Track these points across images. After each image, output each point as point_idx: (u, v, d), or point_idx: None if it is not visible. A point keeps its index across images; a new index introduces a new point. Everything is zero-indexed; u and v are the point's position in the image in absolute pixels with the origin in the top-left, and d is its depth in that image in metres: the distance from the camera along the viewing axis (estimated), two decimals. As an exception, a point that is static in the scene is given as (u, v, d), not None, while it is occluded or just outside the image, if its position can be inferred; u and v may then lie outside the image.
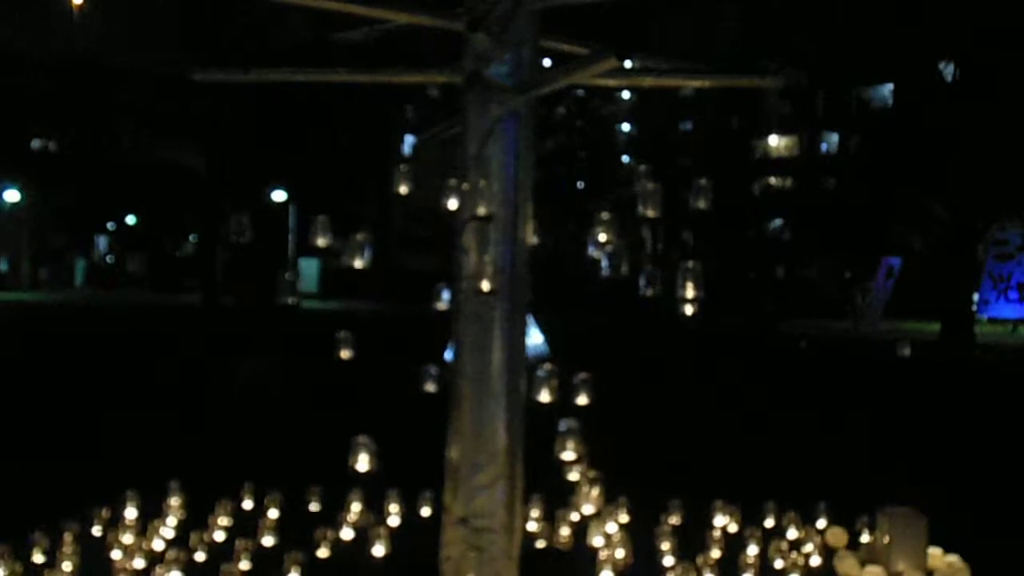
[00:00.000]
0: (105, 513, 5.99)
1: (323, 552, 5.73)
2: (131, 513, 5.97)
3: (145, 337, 22.82)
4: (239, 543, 5.51)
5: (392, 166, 5.21)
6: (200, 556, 5.61)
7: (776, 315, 32.45)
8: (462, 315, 4.76)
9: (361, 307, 34.91)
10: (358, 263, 4.90)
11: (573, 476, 4.92)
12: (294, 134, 34.92)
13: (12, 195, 46.71)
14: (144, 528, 5.82)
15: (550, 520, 6.15)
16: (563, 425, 4.69)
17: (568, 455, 4.69)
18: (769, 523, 6.35)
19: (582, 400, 4.93)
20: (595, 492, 4.88)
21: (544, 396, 4.75)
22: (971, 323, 25.72)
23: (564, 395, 4.89)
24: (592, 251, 4.86)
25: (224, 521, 6.11)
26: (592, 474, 5.04)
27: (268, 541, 5.85)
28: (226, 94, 30.98)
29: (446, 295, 5.06)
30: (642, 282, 4.91)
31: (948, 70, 25.25)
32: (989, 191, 24.74)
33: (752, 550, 5.75)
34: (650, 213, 4.89)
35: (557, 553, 6.00)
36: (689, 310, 4.73)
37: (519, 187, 4.75)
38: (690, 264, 4.76)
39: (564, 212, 40.35)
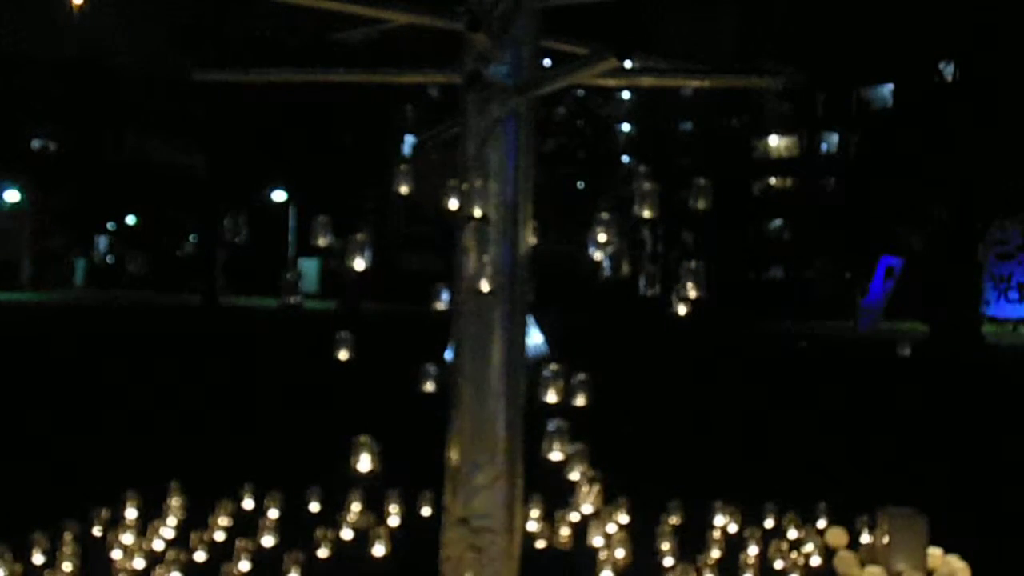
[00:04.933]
0: (105, 513, 5.99)
1: (323, 552, 5.73)
2: (131, 513, 5.97)
3: (145, 337, 22.83)
4: (239, 543, 5.51)
5: (392, 166, 5.21)
6: (200, 556, 5.61)
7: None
8: (462, 315, 4.75)
9: (361, 307, 34.90)
10: (358, 264, 4.89)
11: (574, 476, 4.92)
12: (294, 134, 34.93)
13: (12, 195, 46.73)
14: (144, 528, 5.82)
15: (550, 520, 6.15)
16: (551, 425, 4.68)
17: (555, 455, 4.68)
18: (769, 523, 6.35)
19: (580, 401, 4.92)
20: (594, 492, 4.87)
21: (551, 396, 4.74)
22: (972, 323, 25.70)
23: (564, 396, 4.88)
24: (593, 251, 4.84)
25: (224, 521, 6.11)
26: (591, 473, 5.03)
27: (268, 541, 5.85)
28: (226, 94, 30.97)
29: (445, 295, 5.06)
30: (642, 282, 4.91)
31: (948, 70, 25.27)
32: (989, 191, 24.75)
33: (752, 550, 5.75)
34: (647, 213, 4.88)
35: (557, 553, 6.00)
36: (683, 309, 4.72)
37: (519, 187, 4.75)
38: (692, 264, 4.76)
39: (564, 212, 40.35)
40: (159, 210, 48.36)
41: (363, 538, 5.87)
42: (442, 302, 5.10)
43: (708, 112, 54.40)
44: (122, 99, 42.56)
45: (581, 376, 4.96)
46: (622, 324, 29.16)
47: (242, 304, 37.00)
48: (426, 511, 6.34)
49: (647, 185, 4.88)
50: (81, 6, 44.68)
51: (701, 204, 5.06)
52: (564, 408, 4.79)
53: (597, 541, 5.82)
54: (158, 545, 5.71)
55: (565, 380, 4.81)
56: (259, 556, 5.57)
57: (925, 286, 26.85)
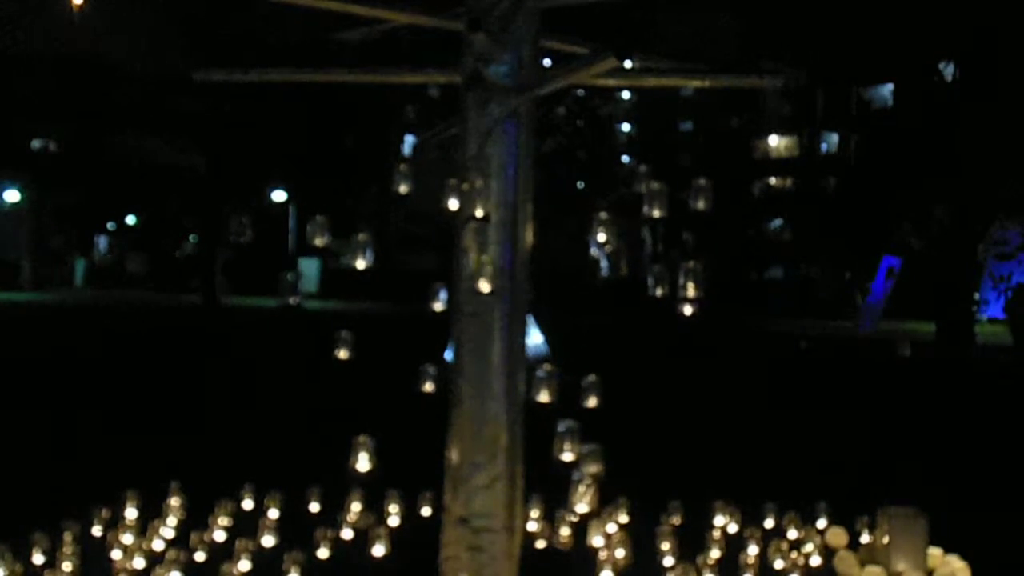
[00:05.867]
0: (105, 513, 5.99)
1: (323, 552, 5.73)
2: (131, 513, 5.97)
3: (145, 337, 22.83)
4: (239, 543, 5.51)
5: (392, 166, 5.21)
6: (200, 556, 5.61)
7: None
8: (462, 315, 4.75)
9: (361, 307, 34.90)
10: (360, 263, 4.89)
11: (576, 475, 4.91)
12: (294, 134, 34.92)
13: (12, 195, 46.72)
14: (144, 528, 5.82)
15: (550, 520, 6.15)
16: (562, 426, 4.68)
17: (567, 455, 4.68)
18: (769, 523, 6.35)
19: (591, 403, 4.92)
20: (590, 492, 4.87)
21: (544, 397, 4.74)
22: (971, 323, 25.69)
23: (566, 396, 4.88)
24: (593, 251, 4.85)
25: (224, 521, 6.11)
26: (594, 474, 5.02)
27: (268, 541, 5.85)
28: (226, 94, 30.96)
29: (443, 295, 5.06)
30: (650, 281, 4.89)
31: (948, 70, 25.25)
32: (989, 191, 24.73)
33: (752, 550, 5.75)
34: (656, 213, 4.88)
35: (557, 553, 6.00)
36: (688, 310, 4.72)
37: (519, 187, 4.75)
38: (691, 264, 4.76)
39: (564, 212, 40.37)
40: (159, 210, 48.34)
41: (363, 538, 5.87)
42: (439, 302, 5.10)
43: (708, 112, 54.40)
44: (122, 99, 42.51)
45: (592, 378, 4.96)
46: (623, 324, 29.15)
47: (242, 304, 36.94)
48: (426, 511, 6.34)
49: (656, 185, 4.88)
50: (81, 6, 44.66)
51: (701, 204, 5.07)
52: (561, 408, 4.79)
53: (597, 541, 5.82)
54: (158, 545, 5.71)
55: (561, 381, 4.81)
56: (259, 556, 5.57)
57: (935, 286, 26.79)
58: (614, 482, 5.50)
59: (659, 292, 4.84)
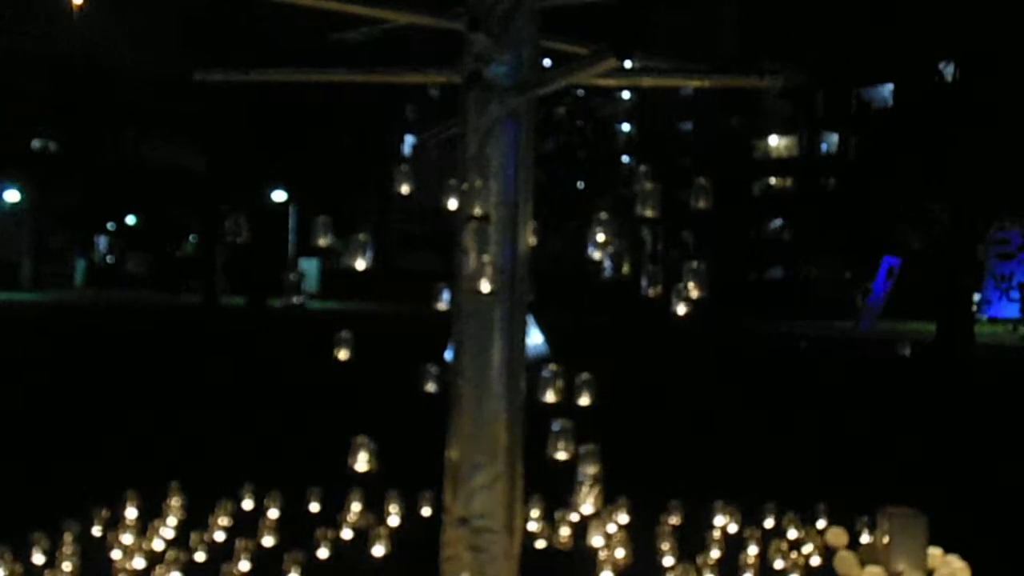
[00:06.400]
0: (105, 513, 5.99)
1: (323, 552, 5.73)
2: (131, 513, 5.96)
3: (145, 337, 22.83)
4: (239, 543, 5.50)
5: (392, 166, 5.21)
6: (200, 556, 5.61)
7: None
8: (462, 315, 4.75)
9: (361, 307, 34.91)
10: (360, 264, 4.89)
11: (580, 476, 4.91)
12: (294, 134, 34.90)
13: (12, 195, 46.73)
14: (144, 528, 5.81)
15: (550, 520, 6.15)
16: (556, 425, 4.68)
17: (561, 455, 4.68)
18: (769, 523, 6.35)
19: (584, 401, 4.92)
20: (595, 492, 4.86)
21: (549, 397, 4.73)
22: (970, 322, 25.69)
23: (566, 395, 4.88)
24: (592, 252, 4.84)
25: (224, 521, 6.11)
26: (597, 474, 5.01)
27: (268, 541, 5.85)
28: (226, 94, 30.94)
29: (446, 295, 5.05)
30: (644, 282, 4.88)
31: (948, 70, 25.24)
32: (989, 191, 24.72)
33: (752, 550, 5.74)
34: (649, 213, 4.88)
35: (557, 553, 6.00)
36: (682, 309, 4.71)
37: (519, 187, 4.75)
38: (694, 264, 4.75)
39: (564, 212, 40.37)
40: (159, 210, 48.34)
41: (363, 538, 5.87)
42: (442, 302, 5.10)
43: (708, 112, 54.45)
44: (122, 99, 42.53)
45: (585, 376, 4.96)
46: (624, 324, 29.17)
47: (241, 304, 36.95)
48: (426, 511, 6.34)
49: (648, 185, 4.88)
50: (81, 6, 44.67)
51: (701, 204, 5.06)
52: (566, 407, 4.78)
53: (597, 541, 5.82)
54: (158, 545, 5.71)
55: (565, 380, 4.81)
56: (259, 556, 5.56)
57: (935, 286, 26.81)
58: (614, 482, 5.50)
59: (652, 292, 4.83)
